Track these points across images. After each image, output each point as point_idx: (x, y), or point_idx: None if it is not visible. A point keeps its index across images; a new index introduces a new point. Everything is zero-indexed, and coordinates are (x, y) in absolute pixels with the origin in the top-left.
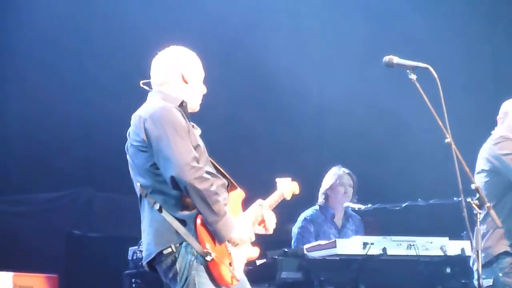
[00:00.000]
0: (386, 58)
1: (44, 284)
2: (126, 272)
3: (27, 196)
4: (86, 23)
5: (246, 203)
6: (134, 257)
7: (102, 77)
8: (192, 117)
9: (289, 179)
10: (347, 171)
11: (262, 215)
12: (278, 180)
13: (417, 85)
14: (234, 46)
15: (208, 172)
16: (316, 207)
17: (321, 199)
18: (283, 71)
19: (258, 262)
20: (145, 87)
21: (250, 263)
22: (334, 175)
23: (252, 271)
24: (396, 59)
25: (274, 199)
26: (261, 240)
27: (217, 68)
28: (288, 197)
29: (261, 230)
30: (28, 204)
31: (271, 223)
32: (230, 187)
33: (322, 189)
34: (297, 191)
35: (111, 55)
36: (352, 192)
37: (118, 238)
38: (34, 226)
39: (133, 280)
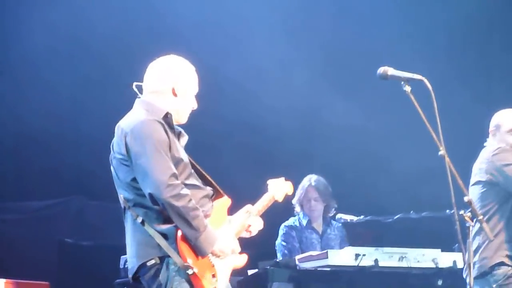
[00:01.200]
0: (381, 70)
1: None
2: (118, 280)
3: (18, 204)
4: (83, 30)
5: (237, 208)
6: (126, 266)
7: (95, 85)
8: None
9: (282, 179)
10: (313, 183)
11: (248, 222)
12: (270, 181)
13: (411, 97)
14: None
15: (191, 185)
16: (296, 216)
17: (297, 208)
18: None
19: (250, 272)
20: (136, 90)
21: (241, 273)
22: (301, 187)
23: (244, 282)
24: (390, 71)
25: (263, 203)
26: (252, 251)
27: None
28: (280, 199)
29: (246, 234)
30: (19, 212)
31: (256, 229)
32: (215, 195)
33: (295, 200)
34: (290, 192)
35: (104, 62)
36: (322, 201)
37: (110, 246)
38: (26, 234)
39: None
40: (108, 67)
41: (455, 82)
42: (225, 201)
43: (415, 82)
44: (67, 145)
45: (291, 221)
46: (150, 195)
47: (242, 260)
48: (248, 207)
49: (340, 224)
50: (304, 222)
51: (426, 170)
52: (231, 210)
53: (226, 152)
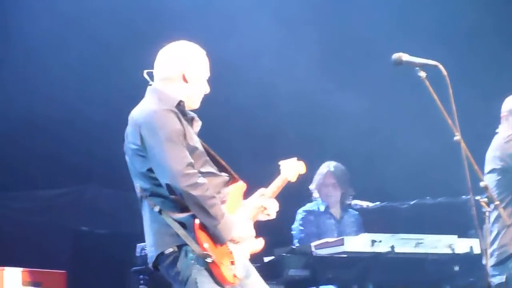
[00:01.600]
0: (395, 56)
1: (52, 280)
2: (134, 268)
3: (33, 193)
4: (94, 19)
5: (250, 193)
6: (142, 254)
7: (107, 73)
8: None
9: (294, 159)
10: (332, 168)
11: (263, 205)
12: (281, 162)
13: (427, 82)
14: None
15: (207, 172)
16: (313, 202)
17: (315, 193)
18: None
19: (266, 260)
20: (147, 77)
21: (257, 260)
22: (319, 174)
23: (260, 269)
24: (405, 57)
25: (277, 185)
26: (268, 238)
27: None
28: (293, 179)
29: (264, 217)
30: (34, 201)
31: (274, 210)
32: (231, 181)
33: (312, 186)
34: (302, 171)
35: (117, 52)
36: (340, 187)
37: (125, 234)
38: (41, 223)
39: (141, 276)
40: (116, 53)
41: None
42: (240, 186)
43: (429, 67)
44: (80, 133)
45: (308, 206)
46: (167, 185)
47: (259, 244)
48: (262, 190)
49: (357, 212)
50: (322, 208)
51: (435, 155)
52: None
53: (231, 137)
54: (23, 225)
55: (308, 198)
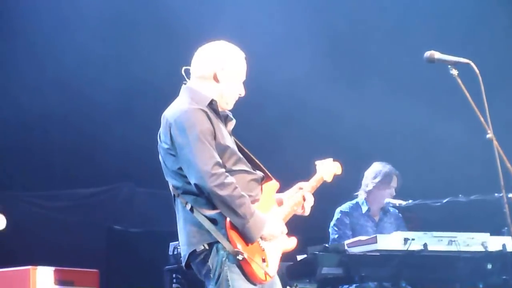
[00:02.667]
0: (427, 54)
1: (85, 279)
2: (167, 267)
3: (68, 191)
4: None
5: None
6: (175, 252)
7: (141, 72)
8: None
9: (330, 159)
10: (396, 172)
11: (303, 197)
12: (317, 162)
13: (458, 80)
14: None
15: (239, 170)
16: (353, 201)
17: (361, 193)
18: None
19: (299, 258)
20: (184, 75)
21: (290, 259)
22: (382, 174)
23: (293, 267)
24: (437, 55)
25: (313, 183)
26: (301, 236)
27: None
28: (329, 180)
29: (299, 212)
30: (68, 199)
31: (309, 205)
32: (264, 179)
33: (370, 184)
34: (338, 172)
35: (153, 50)
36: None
37: (159, 233)
38: (75, 221)
39: (174, 275)
40: (158, 56)
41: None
42: (274, 185)
43: (461, 65)
44: (114, 133)
45: (347, 205)
46: (195, 185)
47: (292, 243)
48: (300, 184)
49: (397, 211)
50: (364, 209)
51: (468, 153)
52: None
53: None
54: (57, 224)
55: (346, 196)
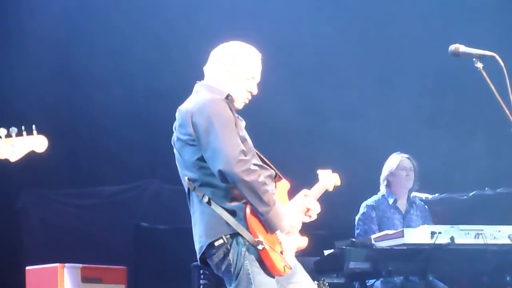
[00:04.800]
0: (452, 47)
1: (112, 276)
2: (194, 263)
3: (95, 189)
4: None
5: (290, 194)
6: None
7: (167, 69)
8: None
9: (329, 171)
10: (406, 155)
11: (307, 205)
12: (319, 172)
13: (484, 73)
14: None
15: (255, 164)
16: (379, 194)
17: (382, 186)
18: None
19: (326, 253)
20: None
21: (318, 254)
22: (393, 160)
23: (320, 262)
24: (462, 48)
25: (318, 190)
26: (328, 231)
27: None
28: (331, 189)
29: (305, 219)
30: (96, 196)
31: (316, 212)
32: (276, 178)
33: (383, 175)
34: (338, 183)
35: (176, 46)
36: (414, 176)
37: (186, 229)
38: (102, 218)
39: (201, 271)
40: (183, 52)
41: None
42: (285, 184)
43: (486, 58)
44: (141, 129)
45: (373, 199)
46: (220, 171)
47: (304, 241)
48: (305, 191)
49: (423, 203)
50: (391, 201)
51: (494, 146)
52: None
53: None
54: (85, 221)
55: (371, 190)
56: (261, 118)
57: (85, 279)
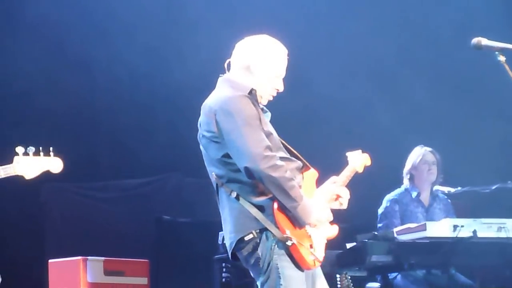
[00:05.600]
0: (475, 40)
1: (135, 269)
2: (216, 256)
3: (116, 182)
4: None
5: (318, 182)
6: (224, 242)
7: (189, 63)
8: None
9: (359, 151)
10: (429, 149)
11: (336, 192)
12: (348, 154)
13: (506, 67)
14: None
15: (281, 158)
16: (402, 188)
17: (405, 179)
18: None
19: (348, 246)
20: (225, 67)
21: (339, 247)
22: (416, 154)
23: (342, 255)
24: (484, 41)
25: (346, 174)
26: (350, 224)
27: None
28: (360, 170)
29: (336, 206)
30: (117, 190)
31: (346, 199)
32: (303, 168)
33: (406, 169)
34: (368, 163)
35: (198, 40)
36: (437, 169)
37: (208, 222)
38: (124, 211)
39: (223, 264)
40: (205, 46)
41: None
42: (313, 174)
43: (509, 52)
44: (162, 123)
45: (396, 192)
46: (246, 168)
47: (334, 230)
48: (333, 178)
49: (446, 197)
50: (414, 195)
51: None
52: None
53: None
54: (107, 215)
55: (394, 184)
56: (289, 107)
57: (107, 272)
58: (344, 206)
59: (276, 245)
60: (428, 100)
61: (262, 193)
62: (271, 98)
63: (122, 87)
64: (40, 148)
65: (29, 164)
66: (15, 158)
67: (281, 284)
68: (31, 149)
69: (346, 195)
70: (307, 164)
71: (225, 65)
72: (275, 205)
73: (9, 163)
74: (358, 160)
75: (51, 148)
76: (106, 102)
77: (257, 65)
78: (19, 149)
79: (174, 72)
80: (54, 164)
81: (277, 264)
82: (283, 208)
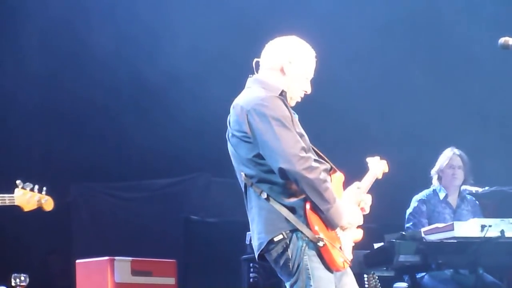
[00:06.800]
0: (502, 40)
1: (162, 269)
2: (244, 256)
3: (145, 182)
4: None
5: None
6: (252, 242)
7: (218, 65)
8: None
9: (378, 158)
10: (458, 152)
11: (360, 197)
12: (369, 159)
13: None
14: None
15: (315, 160)
16: (430, 189)
17: (434, 179)
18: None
19: (376, 246)
20: (253, 66)
21: (367, 247)
22: (444, 156)
23: (370, 255)
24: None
25: (369, 180)
26: (377, 224)
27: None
28: (380, 176)
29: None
30: (146, 189)
31: (368, 205)
32: (330, 171)
33: (434, 169)
34: (386, 170)
35: (225, 42)
36: (464, 173)
37: (236, 222)
38: (152, 211)
39: (251, 264)
40: (233, 47)
41: None
42: (340, 177)
43: None
44: (191, 122)
45: (424, 193)
46: (281, 169)
47: (359, 234)
48: (357, 183)
49: (474, 199)
50: (442, 196)
51: None
52: None
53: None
54: (134, 215)
55: (422, 184)
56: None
57: (135, 272)
58: (367, 211)
59: (306, 246)
60: (457, 101)
61: (293, 194)
62: (299, 100)
63: (147, 87)
64: (36, 186)
65: (27, 198)
66: (16, 190)
67: (311, 285)
68: (28, 185)
69: (369, 201)
70: (334, 166)
71: (253, 65)
72: (308, 206)
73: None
74: (377, 167)
75: (44, 188)
76: (132, 103)
77: (290, 66)
78: (18, 183)
79: (200, 76)
80: (47, 203)
81: (307, 265)
82: (315, 209)
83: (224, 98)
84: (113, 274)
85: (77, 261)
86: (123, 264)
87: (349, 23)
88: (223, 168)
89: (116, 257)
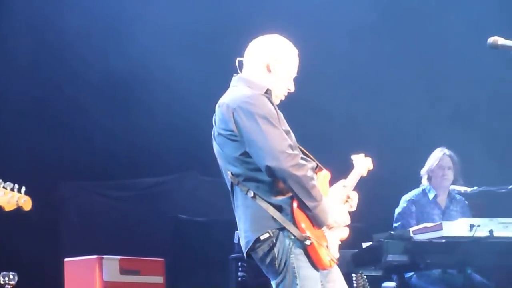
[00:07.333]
0: (491, 40)
1: (150, 268)
2: (232, 255)
3: (133, 181)
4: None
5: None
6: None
7: (208, 62)
8: None
9: (362, 155)
10: (448, 152)
11: (347, 195)
12: (353, 157)
13: None
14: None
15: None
16: (419, 188)
17: (424, 179)
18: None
19: (364, 245)
20: (237, 65)
21: (356, 246)
22: (434, 157)
23: (358, 254)
24: (501, 40)
25: (354, 178)
26: (366, 224)
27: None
28: (365, 174)
29: (346, 208)
30: (134, 188)
31: (355, 202)
32: (316, 169)
33: (424, 169)
34: (371, 167)
35: (220, 39)
36: (454, 174)
37: (224, 221)
38: (140, 210)
39: (239, 263)
40: (218, 45)
41: None
42: (326, 175)
43: None
44: (179, 121)
45: (413, 193)
46: (268, 167)
47: (345, 232)
48: (343, 181)
49: (463, 198)
50: (431, 196)
51: None
52: None
53: None
54: (123, 213)
55: (411, 184)
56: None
57: (123, 271)
58: (354, 208)
59: (293, 245)
60: (446, 100)
61: (280, 192)
62: (283, 98)
63: (140, 86)
64: (16, 185)
65: (8, 198)
66: None
67: (297, 284)
68: (9, 185)
69: (355, 197)
70: (320, 164)
71: (236, 64)
72: (295, 204)
73: None
74: (362, 164)
75: (23, 188)
76: (121, 101)
77: (276, 64)
78: None
79: (193, 72)
80: (26, 202)
81: (293, 264)
82: (302, 207)
83: (213, 98)
84: (102, 272)
85: (66, 259)
86: (111, 263)
87: (335, 20)
88: (212, 167)
89: (104, 256)
